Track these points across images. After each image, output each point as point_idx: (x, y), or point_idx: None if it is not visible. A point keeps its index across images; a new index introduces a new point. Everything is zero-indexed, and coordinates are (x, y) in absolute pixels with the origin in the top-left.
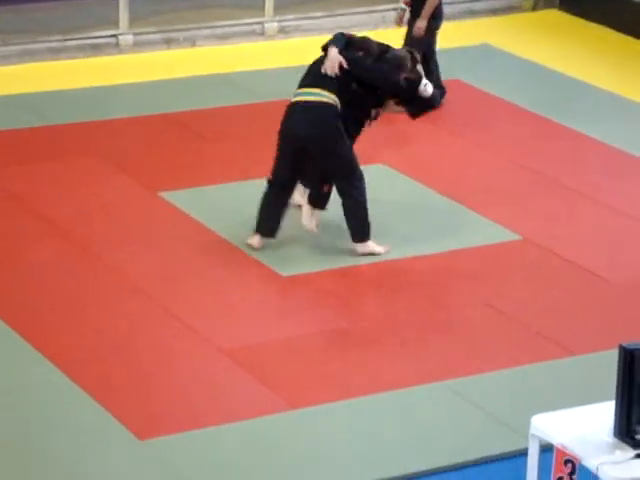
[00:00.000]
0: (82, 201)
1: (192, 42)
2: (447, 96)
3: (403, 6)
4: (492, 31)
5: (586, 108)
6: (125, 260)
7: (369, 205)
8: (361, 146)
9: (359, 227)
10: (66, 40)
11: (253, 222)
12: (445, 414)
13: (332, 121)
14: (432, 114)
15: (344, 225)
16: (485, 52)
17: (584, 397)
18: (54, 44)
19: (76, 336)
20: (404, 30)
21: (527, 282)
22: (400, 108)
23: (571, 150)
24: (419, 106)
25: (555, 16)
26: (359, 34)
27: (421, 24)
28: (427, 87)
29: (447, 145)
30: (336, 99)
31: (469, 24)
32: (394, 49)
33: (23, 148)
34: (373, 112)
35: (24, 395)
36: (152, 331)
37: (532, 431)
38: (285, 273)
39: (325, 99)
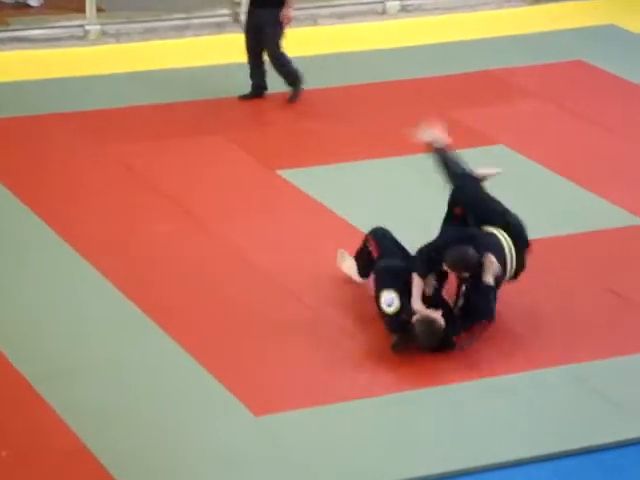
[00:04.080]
0: (202, 178)
1: (314, 20)
2: (569, 75)
3: None
4: (619, 11)
5: None
6: (242, 237)
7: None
8: (480, 127)
9: None
10: (189, 18)
11: (371, 200)
12: (565, 399)
13: None
14: (555, 93)
15: None
16: (610, 33)
17: None
18: (177, 22)
19: (195, 313)
20: None
21: None
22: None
23: None
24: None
25: None
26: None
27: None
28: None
29: (568, 126)
30: None
31: (595, 4)
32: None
33: (146, 124)
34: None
35: (144, 368)
36: (268, 306)
37: None
38: None
39: None
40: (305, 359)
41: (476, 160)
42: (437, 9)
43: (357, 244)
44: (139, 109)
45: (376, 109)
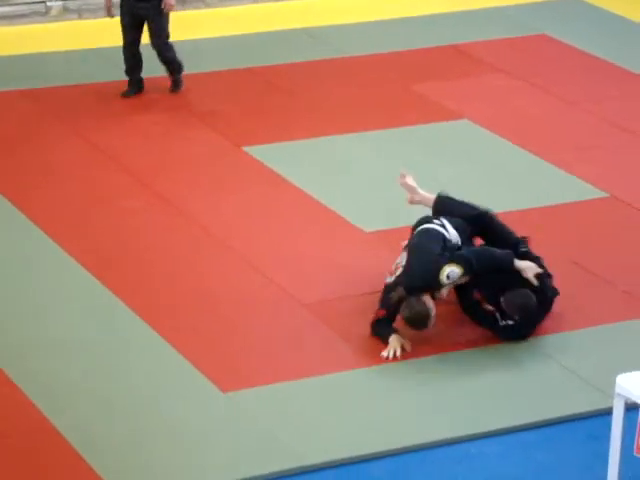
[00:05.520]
0: (167, 154)
1: None
2: (534, 50)
3: None
4: None
5: None
6: (208, 213)
7: None
8: (444, 101)
9: None
10: None
11: (336, 176)
12: (530, 371)
13: None
14: (520, 67)
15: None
16: (575, 7)
17: None
18: None
19: (159, 287)
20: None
21: (614, 240)
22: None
23: None
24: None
25: None
26: None
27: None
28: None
29: (533, 101)
30: None
31: None
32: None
33: (111, 101)
34: None
35: (111, 346)
36: (234, 284)
37: (617, 390)
38: (368, 229)
39: None
40: (272, 335)
41: (441, 135)
42: None
43: (323, 219)
44: (102, 85)
45: (342, 85)
